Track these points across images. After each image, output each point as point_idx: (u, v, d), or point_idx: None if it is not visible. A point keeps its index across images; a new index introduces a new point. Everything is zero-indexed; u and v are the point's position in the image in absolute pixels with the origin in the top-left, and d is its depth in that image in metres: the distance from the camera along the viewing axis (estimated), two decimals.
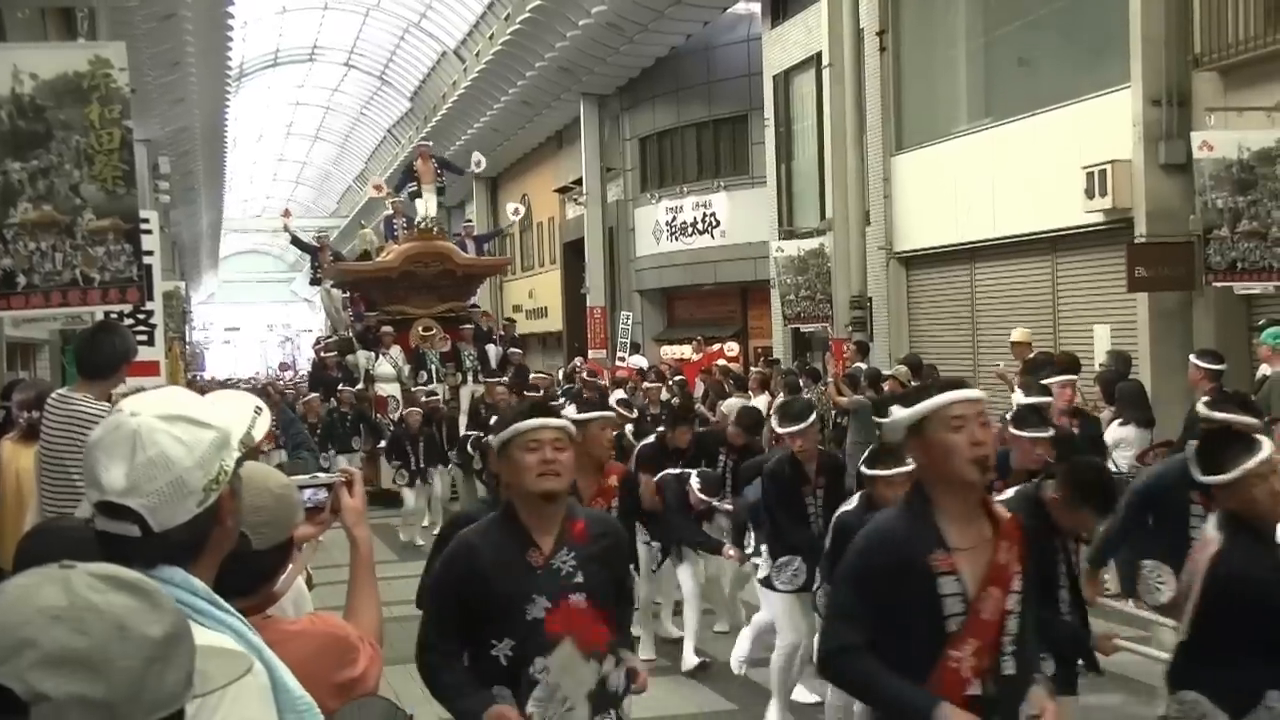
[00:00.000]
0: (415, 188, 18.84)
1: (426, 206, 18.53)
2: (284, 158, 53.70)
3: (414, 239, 18.02)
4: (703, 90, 25.31)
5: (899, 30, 16.72)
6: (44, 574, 1.31)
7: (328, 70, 40.46)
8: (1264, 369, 8.74)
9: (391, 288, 17.96)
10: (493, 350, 18.08)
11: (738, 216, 23.69)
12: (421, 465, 13.67)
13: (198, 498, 1.71)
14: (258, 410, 1.92)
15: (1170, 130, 11.48)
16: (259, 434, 1.89)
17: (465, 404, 16.38)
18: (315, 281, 21.10)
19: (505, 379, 16.15)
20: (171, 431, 1.70)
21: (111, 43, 8.41)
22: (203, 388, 20.72)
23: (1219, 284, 10.24)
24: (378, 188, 21.52)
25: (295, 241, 21.94)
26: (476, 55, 28.21)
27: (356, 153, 48.55)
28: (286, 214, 22.86)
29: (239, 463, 1.80)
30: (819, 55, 17.70)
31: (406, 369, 17.20)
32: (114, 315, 8.11)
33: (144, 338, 8.75)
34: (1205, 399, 5.46)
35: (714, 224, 24.52)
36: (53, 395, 4.95)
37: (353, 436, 15.16)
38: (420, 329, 17.62)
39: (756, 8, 21.96)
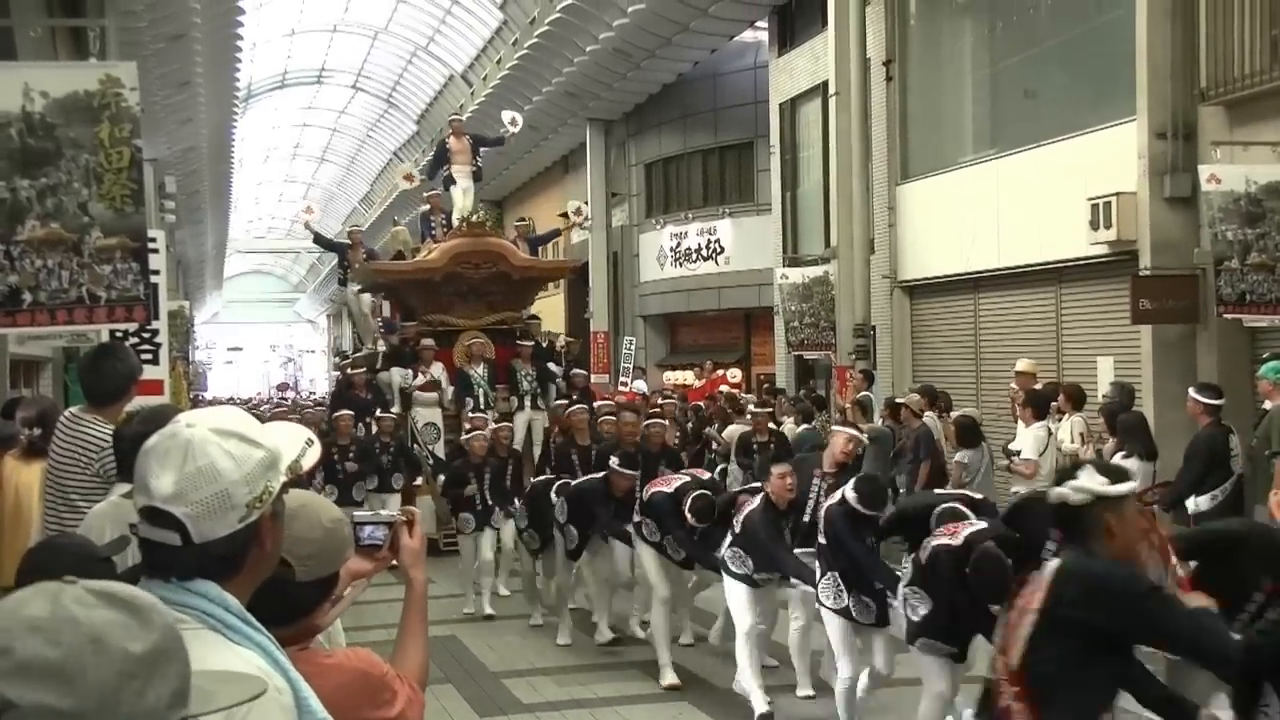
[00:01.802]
0: (449, 171, 16.06)
1: (464, 196, 15.81)
2: (290, 178, 53.87)
3: (462, 234, 15.15)
4: (709, 117, 25.41)
5: (905, 60, 16.80)
6: (41, 588, 1.32)
7: (335, 92, 40.65)
8: (1266, 403, 8.74)
9: (433, 293, 15.18)
10: (551, 370, 15.30)
11: (742, 243, 23.74)
12: (489, 503, 10.86)
13: (240, 513, 1.74)
14: (309, 441, 1.99)
15: (1176, 163, 11.50)
16: (307, 463, 1.94)
17: (520, 435, 13.80)
18: (344, 283, 18.05)
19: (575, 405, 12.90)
20: (224, 445, 1.74)
21: (123, 62, 8.44)
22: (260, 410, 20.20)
23: (1230, 315, 10.23)
24: (408, 177, 18.64)
25: (319, 240, 19.36)
26: (484, 79, 28.33)
27: (362, 175, 48.70)
28: (309, 210, 19.17)
29: (284, 488, 1.83)
30: (825, 84, 17.76)
31: (449, 391, 14.51)
32: (119, 334, 8.11)
33: (149, 357, 8.74)
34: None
35: (718, 250, 24.57)
36: (65, 414, 4.95)
37: (393, 473, 12.76)
38: (469, 343, 14.95)
39: (764, 36, 22.06)
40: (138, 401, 5.91)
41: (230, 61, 23.54)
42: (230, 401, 37.00)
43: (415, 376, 14.47)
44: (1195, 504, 8.66)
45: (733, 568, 7.59)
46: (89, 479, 4.63)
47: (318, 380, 62.72)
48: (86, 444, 4.68)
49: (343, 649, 2.43)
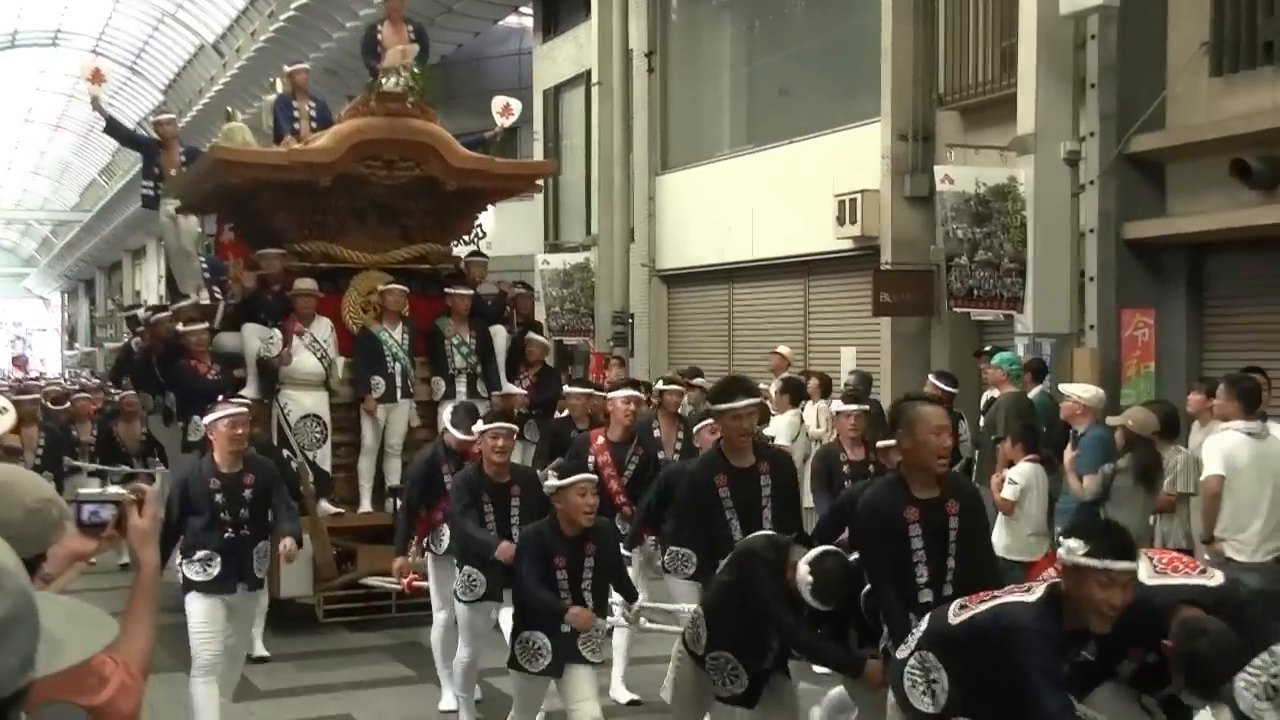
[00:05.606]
0: (374, 64, 10.60)
1: (404, 55, 10.06)
2: (19, 145, 50.41)
3: (368, 110, 9.62)
4: (473, 101, 25.13)
5: (667, 53, 17.09)
6: None
7: (72, 56, 38.25)
8: (993, 391, 9.34)
9: (315, 207, 9.62)
10: (500, 335, 10.09)
11: (505, 228, 23.56)
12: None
13: None
14: (1, 409, 1.85)
15: (916, 164, 12.15)
16: None
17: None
18: (153, 202, 12.08)
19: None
20: None
21: None
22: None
23: (959, 309, 10.86)
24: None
25: (113, 128, 13.05)
26: (237, 51, 27.25)
27: (102, 145, 45.99)
28: (97, 75, 12.78)
29: None
30: (589, 73, 17.90)
31: (340, 363, 9.24)
32: None
33: None
34: None
35: (480, 235, 24.38)
36: None
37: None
38: (374, 290, 9.55)
39: (529, 21, 22.02)
40: None
41: None
42: None
43: (289, 343, 8.96)
44: None
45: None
46: None
47: (49, 360, 58.97)
48: None
49: None
